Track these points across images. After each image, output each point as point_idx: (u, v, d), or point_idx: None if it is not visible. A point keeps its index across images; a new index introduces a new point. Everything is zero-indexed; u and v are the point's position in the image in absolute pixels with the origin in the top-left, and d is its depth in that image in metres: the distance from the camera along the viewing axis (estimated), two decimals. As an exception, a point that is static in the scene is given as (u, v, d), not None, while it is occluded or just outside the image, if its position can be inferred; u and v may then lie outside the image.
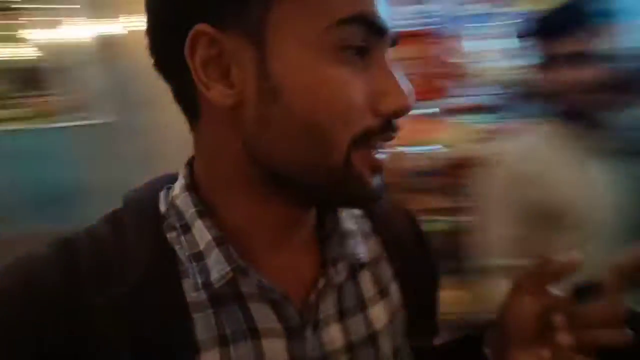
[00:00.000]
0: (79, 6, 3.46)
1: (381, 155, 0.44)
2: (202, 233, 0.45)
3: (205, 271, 0.44)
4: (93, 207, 3.42)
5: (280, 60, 0.40)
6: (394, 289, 0.54)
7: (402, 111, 0.43)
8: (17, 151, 3.69)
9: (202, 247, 0.45)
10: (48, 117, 3.63)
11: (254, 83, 0.41)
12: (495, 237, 1.13)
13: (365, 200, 0.46)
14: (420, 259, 0.59)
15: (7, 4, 3.46)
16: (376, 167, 0.44)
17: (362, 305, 0.51)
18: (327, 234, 0.51)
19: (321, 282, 0.49)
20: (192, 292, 0.43)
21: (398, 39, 0.45)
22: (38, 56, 3.54)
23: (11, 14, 3.49)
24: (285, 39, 0.40)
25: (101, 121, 3.65)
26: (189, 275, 0.44)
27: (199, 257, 0.44)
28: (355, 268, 0.52)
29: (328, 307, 0.49)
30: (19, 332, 0.39)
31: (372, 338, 0.50)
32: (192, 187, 0.48)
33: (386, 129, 0.43)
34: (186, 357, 0.42)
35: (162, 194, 0.49)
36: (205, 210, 0.46)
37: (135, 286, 0.41)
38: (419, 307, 0.56)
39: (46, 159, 3.70)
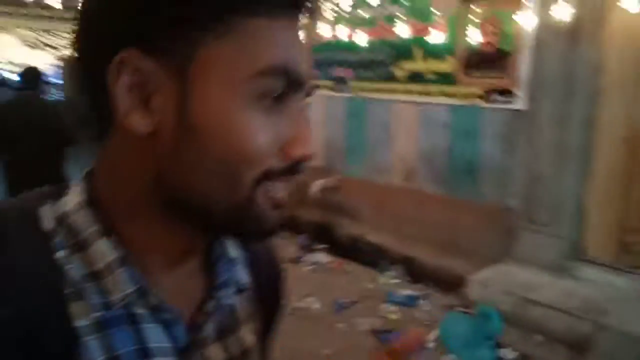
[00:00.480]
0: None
1: (283, 193, 0.46)
2: (103, 252, 0.44)
3: (102, 292, 0.43)
4: (493, 185, 3.59)
5: (200, 99, 0.42)
6: (256, 313, 0.59)
7: (305, 158, 0.46)
8: (451, 124, 4.25)
9: (101, 266, 0.44)
10: (481, 97, 3.94)
11: (173, 116, 0.42)
12: None
13: (262, 234, 0.48)
14: (277, 295, 0.64)
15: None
16: (277, 204, 0.46)
17: (236, 326, 0.55)
18: (216, 259, 0.53)
19: (211, 304, 0.51)
20: (83, 315, 0.42)
21: (314, 89, 0.46)
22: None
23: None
24: (208, 80, 0.41)
25: (519, 107, 3.70)
26: (81, 297, 0.43)
27: (96, 276, 0.44)
28: (236, 292, 0.55)
29: (209, 328, 0.51)
30: None
31: (244, 355, 0.54)
32: (91, 203, 0.46)
33: (291, 170, 0.46)
34: None
35: (43, 210, 0.45)
36: (107, 229, 0.45)
37: (21, 309, 0.40)
38: (265, 335, 0.61)
39: (469, 133, 4.10)
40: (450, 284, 3.81)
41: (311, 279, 4.23)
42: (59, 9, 4.33)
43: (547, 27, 3.47)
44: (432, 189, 4.49)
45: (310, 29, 5.09)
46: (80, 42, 0.45)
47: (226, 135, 0.42)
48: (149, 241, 0.47)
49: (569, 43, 3.38)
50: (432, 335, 3.27)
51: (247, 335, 0.56)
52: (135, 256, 0.45)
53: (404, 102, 4.59)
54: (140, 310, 0.45)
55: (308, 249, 4.79)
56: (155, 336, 0.46)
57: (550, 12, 3.42)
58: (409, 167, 4.66)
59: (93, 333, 0.43)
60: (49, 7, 4.31)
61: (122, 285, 0.44)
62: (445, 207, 4.31)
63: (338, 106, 5.34)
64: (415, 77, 4.47)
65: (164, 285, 0.48)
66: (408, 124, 4.63)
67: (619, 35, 3.41)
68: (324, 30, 4.87)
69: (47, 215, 0.45)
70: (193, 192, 0.44)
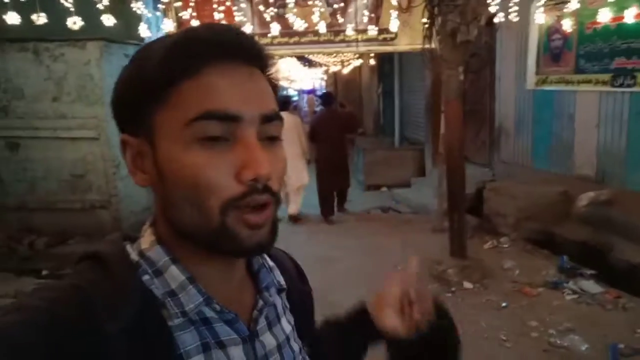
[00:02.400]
0: None
1: (257, 214, 0.55)
2: (175, 275, 0.58)
3: (179, 304, 0.57)
4: None
5: (161, 152, 0.56)
6: (287, 307, 0.72)
7: (259, 178, 0.54)
8: None
9: (174, 286, 0.57)
10: None
11: (153, 170, 0.57)
12: None
13: (242, 252, 0.59)
14: (302, 286, 0.78)
15: None
16: (253, 225, 0.55)
17: (278, 318, 0.69)
18: (258, 269, 0.68)
19: (260, 303, 0.65)
20: (172, 319, 0.56)
21: (270, 116, 0.58)
22: None
23: None
24: (162, 136, 0.55)
25: None
26: (166, 308, 0.56)
27: (172, 294, 0.57)
28: (277, 292, 0.70)
29: (262, 320, 0.65)
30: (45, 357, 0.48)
31: (287, 339, 0.68)
32: (160, 241, 0.60)
33: (252, 193, 0.54)
34: None
35: (128, 248, 0.61)
36: (175, 259, 0.59)
37: (136, 317, 0.53)
38: (302, 319, 0.74)
39: None
40: None
41: (575, 310, 3.54)
42: (324, 32, 5.59)
43: None
44: None
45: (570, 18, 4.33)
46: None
47: (182, 174, 0.54)
48: (198, 266, 0.59)
49: None
50: None
51: (286, 324, 0.69)
52: (196, 277, 0.58)
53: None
54: (209, 314, 0.59)
55: (571, 273, 4.05)
56: (224, 331, 0.59)
57: None
58: None
59: (181, 330, 0.56)
60: (316, 32, 5.92)
61: (193, 298, 0.57)
62: None
63: (618, 104, 4.41)
64: None
65: (224, 295, 0.60)
66: None
67: None
68: (602, 16, 4.06)
69: (132, 252, 0.60)
70: (180, 223, 0.57)
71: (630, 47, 4.21)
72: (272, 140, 0.58)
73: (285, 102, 6.81)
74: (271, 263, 0.70)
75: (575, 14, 4.52)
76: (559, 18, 4.88)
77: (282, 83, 13.95)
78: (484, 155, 6.66)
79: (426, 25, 4.51)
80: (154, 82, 0.54)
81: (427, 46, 4.81)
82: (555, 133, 5.26)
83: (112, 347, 0.50)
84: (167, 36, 0.58)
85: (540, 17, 4.55)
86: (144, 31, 4.86)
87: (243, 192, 0.54)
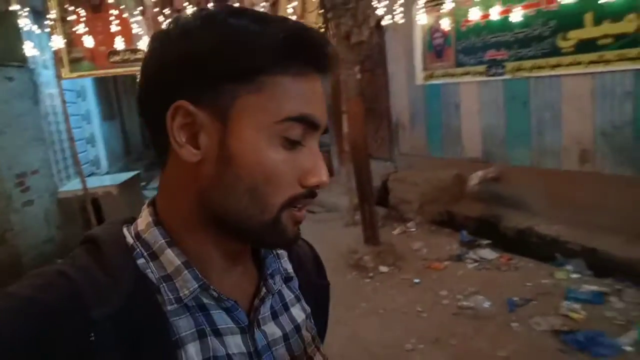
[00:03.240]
0: None
1: (303, 213, 0.58)
2: (171, 259, 0.56)
3: (174, 289, 0.55)
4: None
5: (237, 137, 0.53)
6: (301, 296, 0.70)
7: (320, 186, 0.57)
8: (636, 93, 3.64)
9: (170, 270, 0.56)
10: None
11: (215, 149, 0.54)
12: None
13: (286, 245, 0.62)
14: (317, 278, 0.76)
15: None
16: (298, 222, 0.58)
17: (285, 307, 0.67)
18: (265, 255, 0.66)
19: (263, 290, 0.63)
20: (167, 304, 0.54)
21: (328, 128, 0.59)
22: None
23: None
24: (243, 123, 0.53)
25: None
26: (160, 293, 0.55)
27: (168, 278, 0.56)
28: (284, 280, 0.68)
29: (265, 310, 0.63)
30: (32, 344, 0.47)
31: (297, 329, 0.66)
32: (158, 222, 0.58)
33: (308, 196, 0.57)
34: (170, 350, 0.53)
35: (125, 231, 0.59)
36: (172, 241, 0.57)
37: (126, 302, 0.52)
38: (316, 311, 0.72)
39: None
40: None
41: (477, 276, 3.95)
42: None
43: None
44: (613, 170, 3.89)
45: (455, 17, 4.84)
46: (144, 88, 0.57)
47: (256, 166, 0.53)
48: (203, 250, 0.58)
49: None
50: (629, 337, 2.79)
51: (297, 313, 0.68)
52: (195, 262, 0.57)
53: (574, 75, 4.07)
54: (206, 301, 0.58)
55: (470, 245, 4.50)
56: (221, 319, 0.58)
57: None
58: (584, 148, 4.11)
59: (177, 316, 0.55)
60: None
61: (188, 284, 0.55)
62: (632, 190, 3.69)
63: (494, 91, 4.97)
64: (586, 46, 3.94)
65: (224, 281, 0.60)
66: (580, 100, 4.08)
67: None
68: (473, 14, 4.58)
69: (128, 234, 0.59)
70: (229, 211, 0.55)
71: (498, 40, 4.78)
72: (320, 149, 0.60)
73: None
74: (280, 250, 0.68)
75: (451, 13, 5.03)
76: (438, 18, 5.39)
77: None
78: (385, 150, 7.07)
79: (322, 30, 4.76)
80: (253, 62, 0.52)
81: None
82: (445, 122, 5.76)
83: (100, 333, 0.49)
84: (266, 21, 0.54)
85: (422, 18, 4.98)
86: (29, 50, 4.58)
87: (304, 194, 0.56)
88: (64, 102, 5.06)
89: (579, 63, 4.01)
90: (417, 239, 4.93)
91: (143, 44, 4.69)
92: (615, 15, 3.68)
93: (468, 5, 4.73)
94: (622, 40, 3.67)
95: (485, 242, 4.47)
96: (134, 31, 4.58)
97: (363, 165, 4.52)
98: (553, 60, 4.24)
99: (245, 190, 0.54)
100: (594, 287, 3.39)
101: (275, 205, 0.55)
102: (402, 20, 4.78)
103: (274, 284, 0.65)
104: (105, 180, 6.16)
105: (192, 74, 0.53)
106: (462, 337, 3.11)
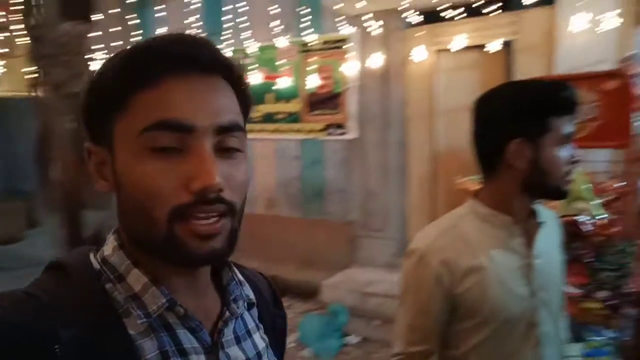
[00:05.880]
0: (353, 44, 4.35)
1: (207, 223, 0.54)
2: (137, 278, 0.56)
3: (142, 307, 0.55)
4: (338, 203, 4.28)
5: (119, 161, 0.56)
6: (260, 326, 0.70)
7: (207, 189, 0.52)
8: (301, 156, 4.90)
9: (137, 289, 0.56)
10: (322, 131, 4.67)
11: (112, 177, 0.58)
12: (405, 326, 1.14)
13: (192, 263, 0.57)
14: (274, 309, 0.76)
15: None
16: (203, 235, 0.53)
17: (249, 333, 0.66)
18: (228, 282, 0.66)
19: (227, 313, 0.62)
20: (132, 326, 0.54)
21: (227, 127, 0.56)
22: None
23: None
24: (119, 147, 0.55)
25: (352, 137, 4.50)
26: (128, 314, 0.55)
27: (135, 297, 0.56)
28: (247, 307, 0.68)
29: (229, 333, 0.63)
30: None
31: (259, 356, 0.66)
32: (122, 246, 0.59)
33: (200, 202, 0.53)
34: None
35: (92, 257, 0.60)
36: (136, 262, 0.58)
37: (92, 327, 0.52)
38: (273, 342, 0.72)
39: (315, 163, 4.77)
40: (309, 293, 4.33)
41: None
42: None
43: (366, 72, 4.37)
44: (289, 213, 5.06)
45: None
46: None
47: (135, 183, 0.54)
48: (159, 272, 0.58)
49: (383, 83, 4.28)
50: (293, 337, 3.72)
51: (259, 341, 0.67)
52: (158, 282, 0.57)
53: (261, 139, 5.17)
54: (172, 320, 0.57)
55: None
56: (186, 339, 0.58)
57: (367, 60, 4.32)
58: (270, 196, 5.18)
59: (143, 338, 0.55)
60: None
61: (156, 299, 0.56)
62: (301, 228, 4.89)
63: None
64: (269, 118, 5.08)
65: (188, 303, 0.58)
66: (267, 159, 5.17)
67: (416, 76, 4.35)
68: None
69: (94, 261, 0.59)
70: (135, 233, 0.57)
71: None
72: (231, 151, 0.57)
73: None
74: (241, 277, 0.68)
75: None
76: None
77: None
78: (103, 198, 6.95)
79: (31, 75, 4.62)
80: (112, 92, 0.55)
81: (33, 94, 4.85)
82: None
83: (65, 353, 0.49)
84: (129, 48, 0.56)
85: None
86: None
87: (190, 202, 0.53)
88: None
89: (264, 130, 5.12)
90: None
91: None
92: (285, 97, 4.94)
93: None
94: (291, 117, 4.93)
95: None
96: None
97: (74, 215, 4.52)
98: (248, 127, 5.23)
99: (136, 210, 0.54)
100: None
101: (161, 218, 0.53)
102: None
103: (237, 308, 0.64)
104: None
105: (86, 116, 0.59)
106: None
